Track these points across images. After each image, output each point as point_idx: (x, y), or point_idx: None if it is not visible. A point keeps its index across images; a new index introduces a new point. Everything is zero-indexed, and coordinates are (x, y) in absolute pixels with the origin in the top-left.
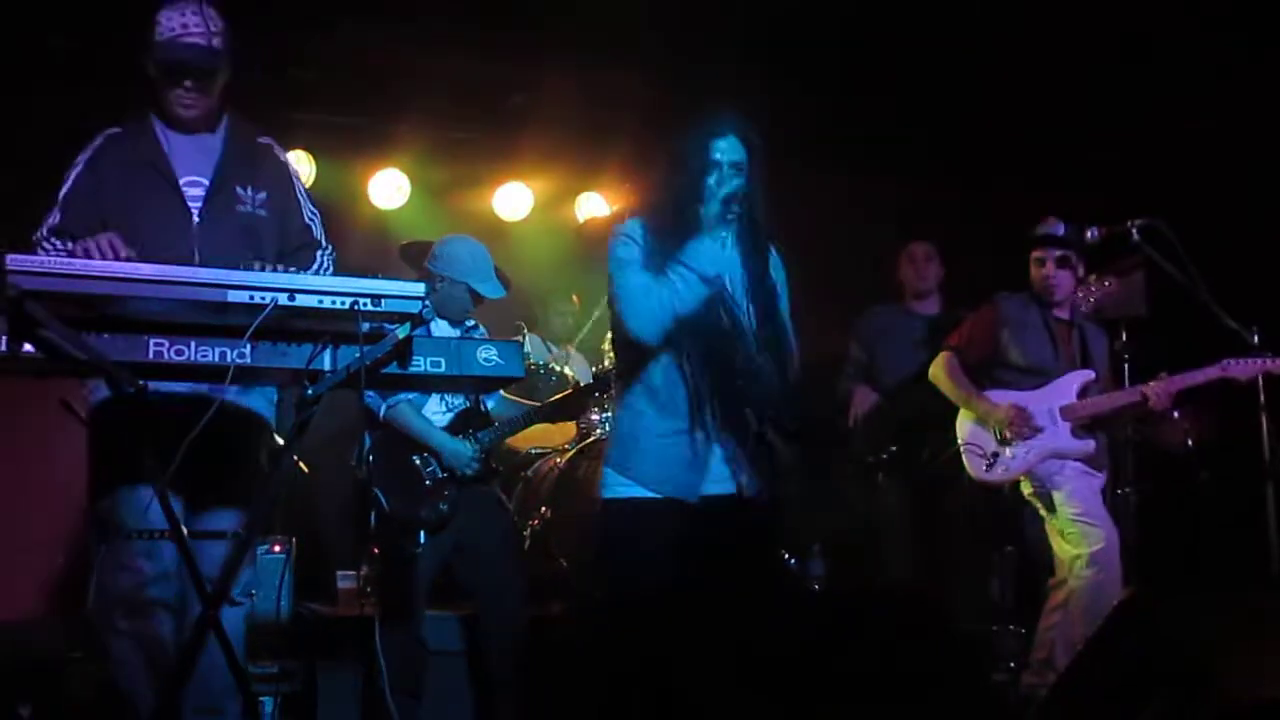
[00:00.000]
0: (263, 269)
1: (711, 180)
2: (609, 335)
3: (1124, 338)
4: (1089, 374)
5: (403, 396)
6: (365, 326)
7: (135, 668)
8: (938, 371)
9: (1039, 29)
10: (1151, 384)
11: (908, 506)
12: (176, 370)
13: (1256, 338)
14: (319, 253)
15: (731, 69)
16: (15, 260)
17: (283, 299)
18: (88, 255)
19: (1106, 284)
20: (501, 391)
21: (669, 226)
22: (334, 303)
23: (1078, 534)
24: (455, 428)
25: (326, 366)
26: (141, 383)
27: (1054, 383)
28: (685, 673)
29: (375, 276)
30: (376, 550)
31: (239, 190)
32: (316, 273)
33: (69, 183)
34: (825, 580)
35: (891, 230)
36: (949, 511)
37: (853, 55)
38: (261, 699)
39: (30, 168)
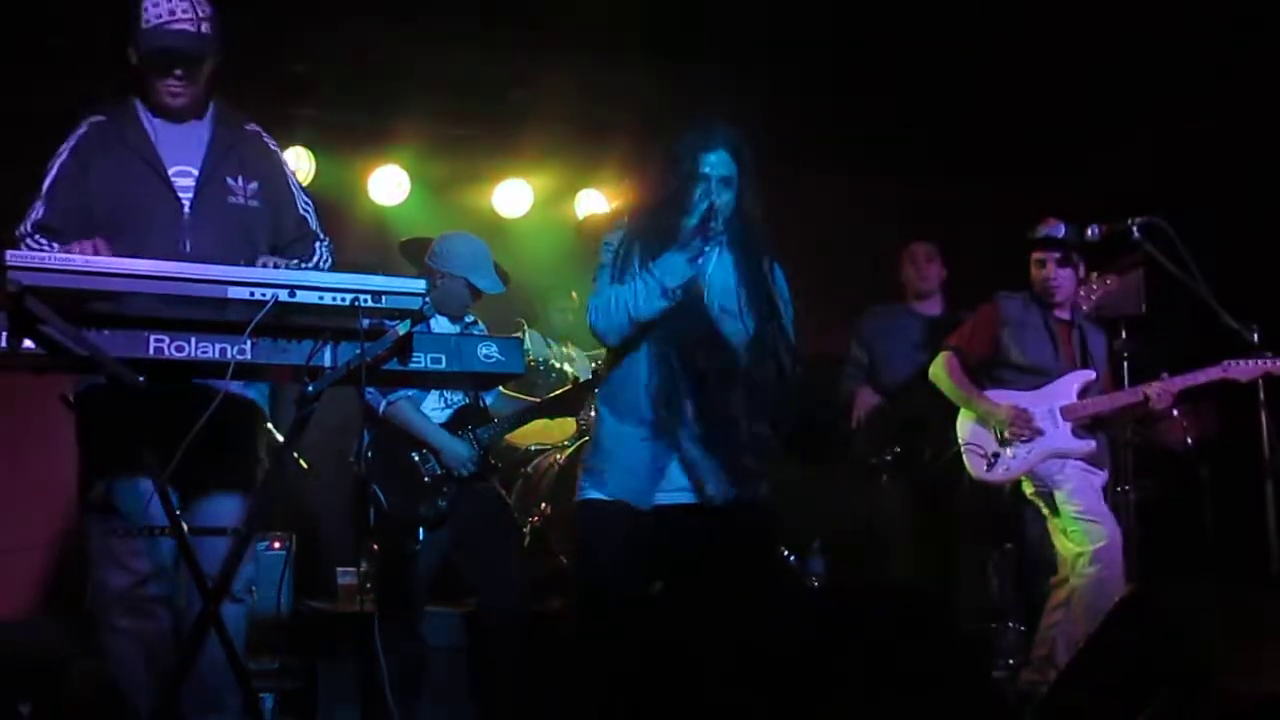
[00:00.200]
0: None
1: (697, 194)
2: None
3: (1123, 336)
4: (1089, 374)
5: (402, 393)
6: (366, 323)
7: (135, 665)
8: (938, 371)
9: (1039, 28)
10: (1153, 384)
11: (909, 507)
12: (177, 366)
13: (1256, 337)
14: (318, 244)
15: (732, 68)
16: (14, 256)
17: (283, 295)
18: None
19: (1107, 283)
20: (500, 388)
21: (648, 236)
22: (335, 299)
23: (1080, 532)
24: (454, 424)
25: (327, 363)
26: (142, 379)
27: (1054, 383)
28: (640, 679)
29: (376, 273)
30: (376, 547)
31: (230, 181)
32: (317, 264)
33: (53, 172)
34: (825, 578)
35: (892, 230)
36: (950, 511)
37: (852, 55)
38: (262, 695)
39: (30, 168)
